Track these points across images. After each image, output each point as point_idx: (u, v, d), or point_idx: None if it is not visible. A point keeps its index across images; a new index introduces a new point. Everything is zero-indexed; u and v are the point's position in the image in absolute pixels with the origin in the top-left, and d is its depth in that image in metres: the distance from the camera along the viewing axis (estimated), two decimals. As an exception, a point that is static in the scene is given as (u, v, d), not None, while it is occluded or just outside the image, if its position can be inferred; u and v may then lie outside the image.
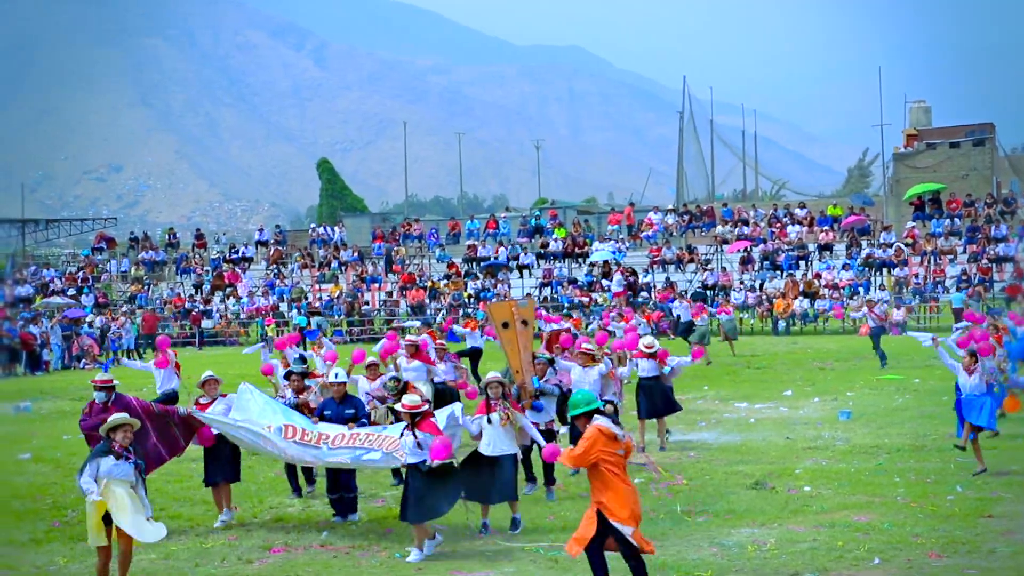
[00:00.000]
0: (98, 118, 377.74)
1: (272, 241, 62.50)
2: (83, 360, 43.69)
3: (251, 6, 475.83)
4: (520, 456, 15.17)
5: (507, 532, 14.48)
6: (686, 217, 58.41)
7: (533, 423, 15.54)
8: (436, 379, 21.08)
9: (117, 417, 12.51)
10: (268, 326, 49.64)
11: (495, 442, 14.57)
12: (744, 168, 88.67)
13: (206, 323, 53.12)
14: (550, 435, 16.36)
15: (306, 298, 53.98)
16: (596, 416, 10.94)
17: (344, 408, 15.71)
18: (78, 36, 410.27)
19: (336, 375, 16.22)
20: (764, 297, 49.18)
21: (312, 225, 74.19)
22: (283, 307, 53.51)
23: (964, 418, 17.66)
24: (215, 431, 15.59)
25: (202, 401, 16.02)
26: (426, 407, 13.92)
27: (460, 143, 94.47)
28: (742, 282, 50.75)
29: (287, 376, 17.88)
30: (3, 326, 43.83)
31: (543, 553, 13.45)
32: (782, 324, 47.65)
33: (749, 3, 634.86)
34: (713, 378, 31.78)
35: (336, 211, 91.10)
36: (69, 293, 56.37)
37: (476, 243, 57.00)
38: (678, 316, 41.02)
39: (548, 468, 16.61)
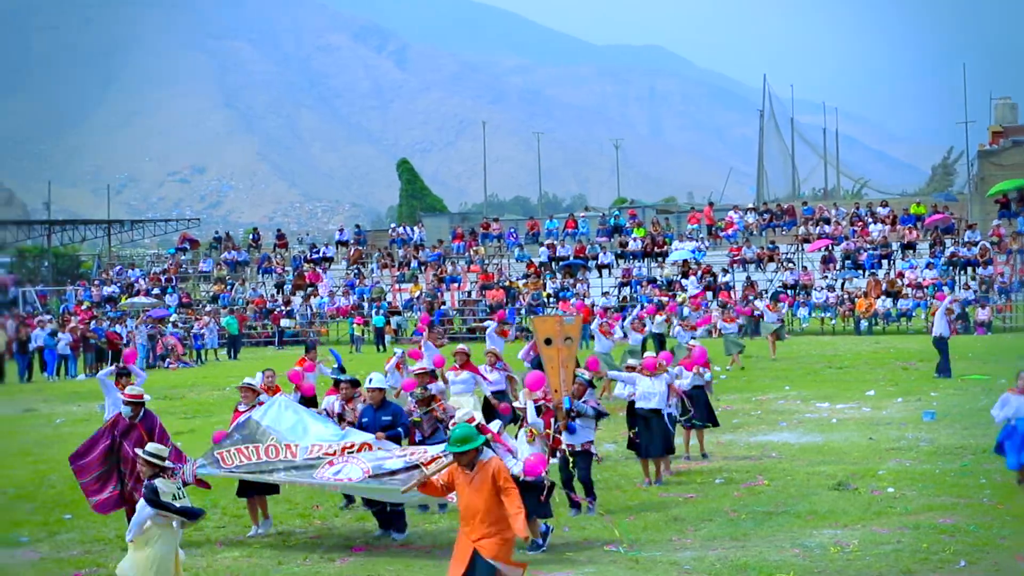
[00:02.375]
0: (182, 120, 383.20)
1: (352, 241, 62.93)
2: (168, 359, 44.27)
3: (333, 8, 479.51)
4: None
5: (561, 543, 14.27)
6: (766, 216, 57.99)
7: (568, 444, 15.01)
8: (488, 391, 20.36)
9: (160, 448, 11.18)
10: (357, 325, 50.05)
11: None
12: (825, 166, 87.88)
13: (286, 322, 53.57)
14: (588, 456, 15.57)
15: (386, 298, 54.31)
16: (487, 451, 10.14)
17: (381, 415, 15.06)
18: (163, 40, 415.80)
19: (371, 380, 15.48)
20: (846, 296, 48.74)
21: (392, 225, 74.59)
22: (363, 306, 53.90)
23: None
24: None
25: (240, 408, 15.45)
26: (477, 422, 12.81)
27: (539, 143, 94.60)
28: (825, 278, 50.41)
29: (336, 384, 17.28)
30: (89, 326, 44.52)
31: (624, 553, 13.42)
32: (864, 324, 47.20)
33: (831, 0, 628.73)
34: (795, 378, 31.56)
35: (416, 211, 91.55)
36: (153, 293, 57.21)
37: (555, 242, 56.97)
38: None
39: (587, 484, 15.76)
